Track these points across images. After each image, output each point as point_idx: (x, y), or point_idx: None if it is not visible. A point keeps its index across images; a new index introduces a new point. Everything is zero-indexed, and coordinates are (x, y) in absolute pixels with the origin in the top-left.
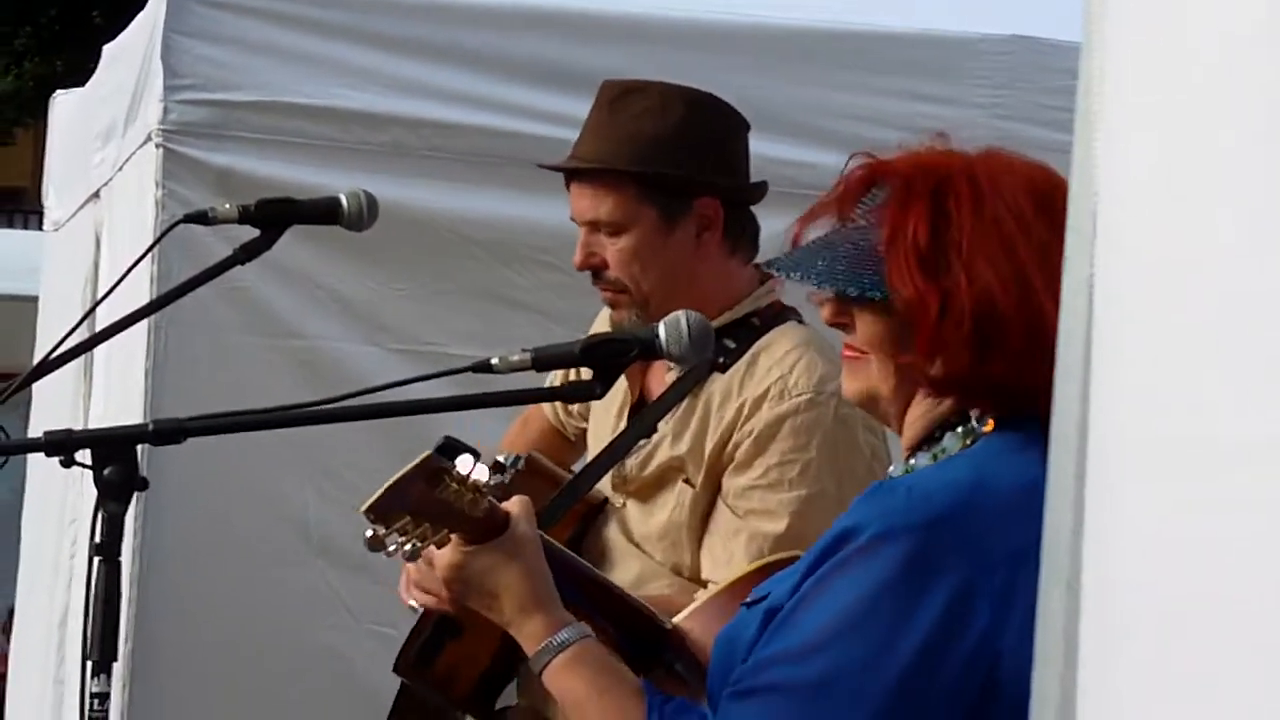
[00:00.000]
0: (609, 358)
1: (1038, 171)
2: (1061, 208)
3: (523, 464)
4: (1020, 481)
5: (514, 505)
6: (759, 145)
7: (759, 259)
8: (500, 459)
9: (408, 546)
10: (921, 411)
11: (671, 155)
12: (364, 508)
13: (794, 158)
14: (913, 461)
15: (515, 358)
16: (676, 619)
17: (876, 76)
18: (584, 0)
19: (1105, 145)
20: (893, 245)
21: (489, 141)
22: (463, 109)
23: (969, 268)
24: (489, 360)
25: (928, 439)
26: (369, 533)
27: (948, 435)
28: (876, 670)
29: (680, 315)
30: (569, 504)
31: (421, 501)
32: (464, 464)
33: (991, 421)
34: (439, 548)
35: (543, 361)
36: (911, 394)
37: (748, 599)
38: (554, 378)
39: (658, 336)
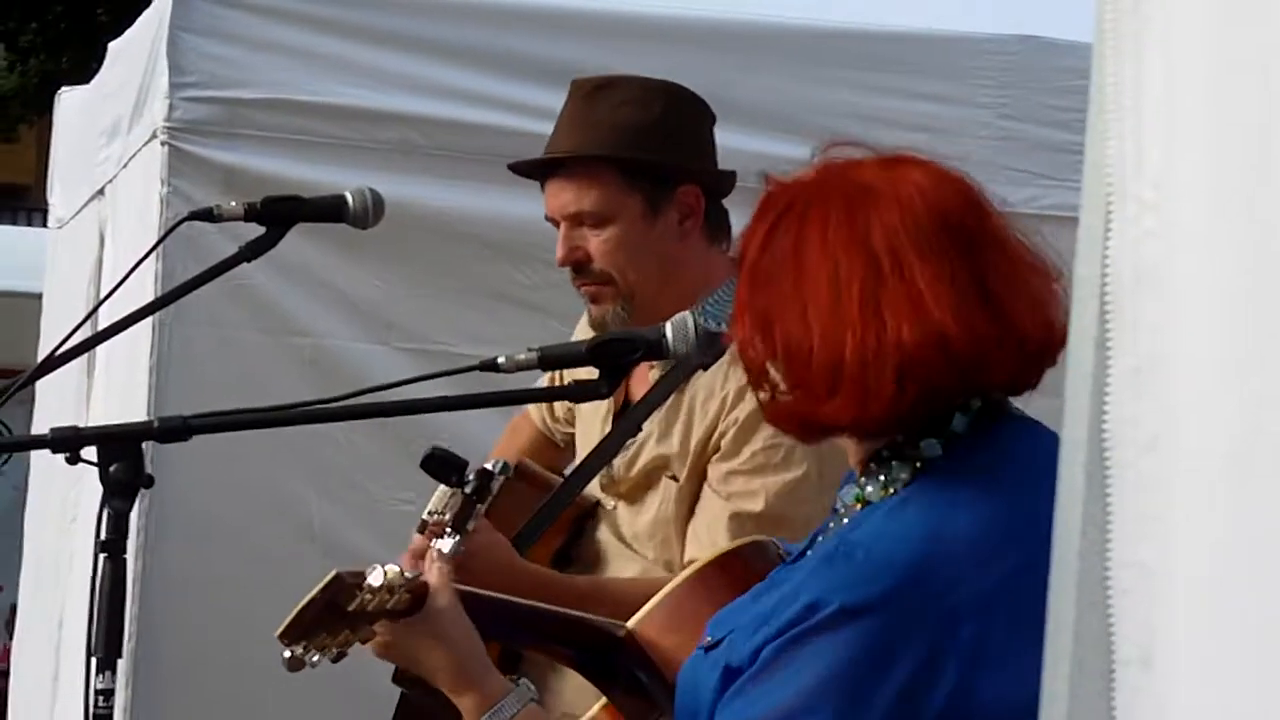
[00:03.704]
0: (616, 357)
1: (948, 185)
2: (980, 220)
3: (512, 471)
4: (979, 517)
5: (431, 576)
6: (761, 144)
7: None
8: (488, 466)
9: (334, 652)
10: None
11: (653, 143)
12: (278, 633)
13: (799, 157)
14: (869, 489)
15: (521, 357)
16: (632, 621)
17: (882, 76)
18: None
19: (1119, 145)
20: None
21: (496, 140)
22: (470, 107)
23: (769, 309)
24: (495, 359)
25: (876, 458)
26: (286, 654)
27: (895, 462)
28: None
29: (687, 316)
30: (560, 509)
31: (337, 618)
32: (375, 576)
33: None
34: (364, 643)
35: (549, 361)
36: None
37: (703, 642)
38: (542, 379)
39: (664, 336)
